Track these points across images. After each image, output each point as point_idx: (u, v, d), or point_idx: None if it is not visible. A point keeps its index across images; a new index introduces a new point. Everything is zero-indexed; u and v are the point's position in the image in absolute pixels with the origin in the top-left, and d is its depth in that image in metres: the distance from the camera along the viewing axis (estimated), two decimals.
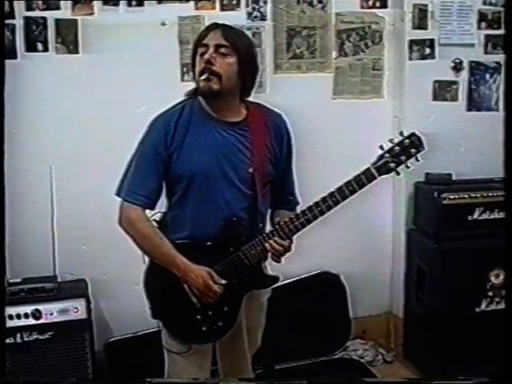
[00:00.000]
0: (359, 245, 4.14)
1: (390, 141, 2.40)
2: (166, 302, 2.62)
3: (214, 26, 2.52)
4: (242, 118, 2.57)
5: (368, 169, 2.41)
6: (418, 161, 2.39)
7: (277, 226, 2.52)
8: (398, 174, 2.42)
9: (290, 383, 3.02)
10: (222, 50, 2.46)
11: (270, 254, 2.56)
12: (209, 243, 2.53)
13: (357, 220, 4.07)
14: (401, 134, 2.41)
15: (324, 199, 2.44)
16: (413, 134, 2.39)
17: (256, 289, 2.67)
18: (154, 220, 2.62)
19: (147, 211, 2.56)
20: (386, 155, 2.39)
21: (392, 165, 2.39)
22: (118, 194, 2.56)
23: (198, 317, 2.57)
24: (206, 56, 2.45)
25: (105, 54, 3.67)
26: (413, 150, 2.37)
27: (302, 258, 3.80)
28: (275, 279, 2.67)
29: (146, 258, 2.62)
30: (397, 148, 2.38)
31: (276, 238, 2.49)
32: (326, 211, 2.45)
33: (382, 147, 2.40)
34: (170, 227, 2.61)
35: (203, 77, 2.45)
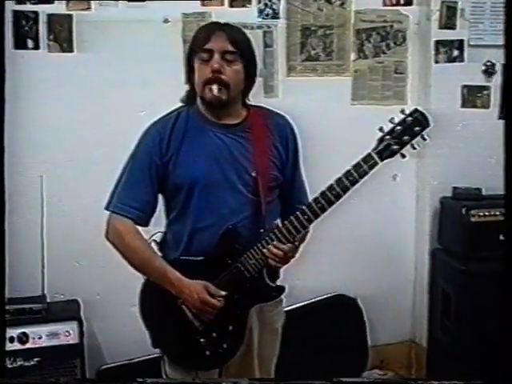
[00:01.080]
0: (378, 265, 4.07)
1: (391, 121, 2.31)
2: (164, 326, 2.57)
3: (217, 28, 2.49)
4: (242, 119, 2.56)
5: (368, 154, 2.32)
6: (424, 139, 2.31)
7: (275, 230, 2.46)
8: (403, 156, 2.32)
9: (295, 382, 2.93)
10: (229, 56, 2.43)
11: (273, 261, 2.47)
12: (202, 258, 2.50)
13: (375, 237, 4.02)
14: (402, 111, 2.32)
15: (323, 194, 2.37)
16: (416, 110, 2.30)
17: (260, 302, 2.60)
18: (154, 241, 2.59)
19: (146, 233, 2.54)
20: (387, 137, 2.30)
21: (395, 147, 2.29)
22: (108, 207, 2.53)
23: (201, 340, 2.53)
24: (215, 65, 2.41)
25: (102, 53, 3.64)
26: (417, 128, 2.28)
27: (316, 278, 3.76)
28: (280, 290, 2.61)
29: None
30: (398, 128, 2.29)
31: (275, 243, 2.43)
32: (326, 207, 2.37)
33: (381, 129, 2.33)
34: (169, 246, 2.58)
35: (214, 88, 2.42)
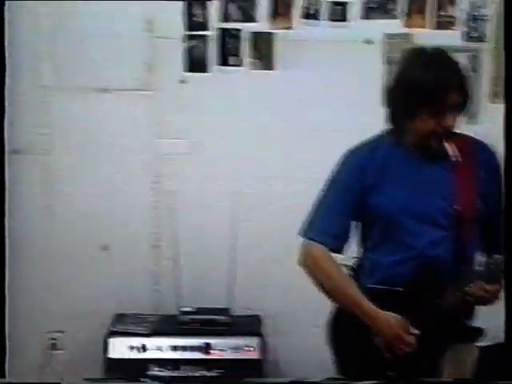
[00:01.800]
0: None
1: None
2: (353, 355, 2.55)
3: (454, 81, 2.36)
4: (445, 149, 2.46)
5: None
6: None
7: (479, 268, 2.39)
8: None
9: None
10: (457, 108, 2.38)
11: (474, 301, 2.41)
12: (401, 289, 2.45)
13: None
14: None
15: None
16: None
17: (457, 342, 2.51)
18: (346, 266, 2.58)
19: (339, 258, 2.54)
20: None
21: None
22: (303, 233, 2.54)
23: (390, 374, 2.47)
24: (450, 123, 2.36)
25: (302, 71, 3.71)
26: None
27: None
28: (479, 332, 2.51)
29: None
30: None
31: (479, 282, 2.35)
32: None
33: None
34: (364, 273, 2.55)
35: (443, 142, 2.38)
